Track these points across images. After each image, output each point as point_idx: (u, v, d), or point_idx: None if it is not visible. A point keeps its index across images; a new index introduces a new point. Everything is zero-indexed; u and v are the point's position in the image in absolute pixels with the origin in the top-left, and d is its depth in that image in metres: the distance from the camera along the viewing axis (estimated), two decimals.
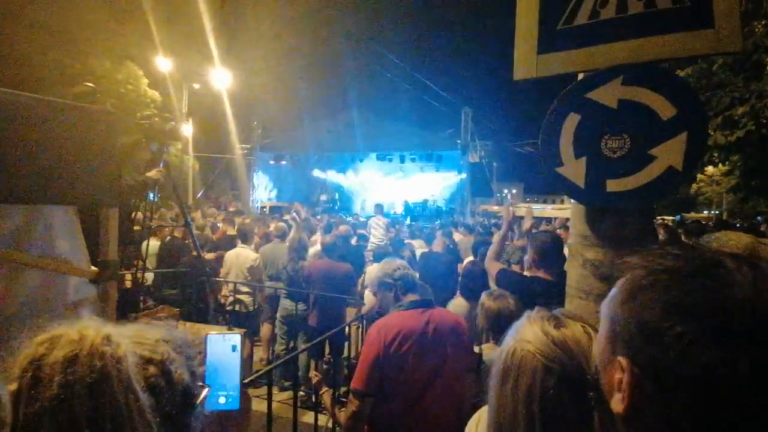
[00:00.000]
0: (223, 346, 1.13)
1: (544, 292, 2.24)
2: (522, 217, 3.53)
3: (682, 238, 5.47)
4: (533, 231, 3.03)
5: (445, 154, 15.82)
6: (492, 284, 3.45)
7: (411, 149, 15.98)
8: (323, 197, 20.90)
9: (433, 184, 20.71)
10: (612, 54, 1.45)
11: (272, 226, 6.64)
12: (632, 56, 1.41)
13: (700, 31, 1.32)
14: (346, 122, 16.20)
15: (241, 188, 21.65)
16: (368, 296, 4.55)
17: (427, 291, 3.85)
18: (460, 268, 5.71)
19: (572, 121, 1.51)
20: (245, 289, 4.95)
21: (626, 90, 1.41)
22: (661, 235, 5.61)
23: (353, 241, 7.11)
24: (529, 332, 0.90)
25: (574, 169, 1.52)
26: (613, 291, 0.62)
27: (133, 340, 0.70)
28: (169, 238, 5.43)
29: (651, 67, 1.41)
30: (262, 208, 18.12)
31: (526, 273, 2.96)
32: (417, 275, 2.72)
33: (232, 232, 6.35)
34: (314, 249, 5.43)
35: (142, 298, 4.02)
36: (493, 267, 2.75)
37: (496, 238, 3.04)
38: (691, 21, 1.33)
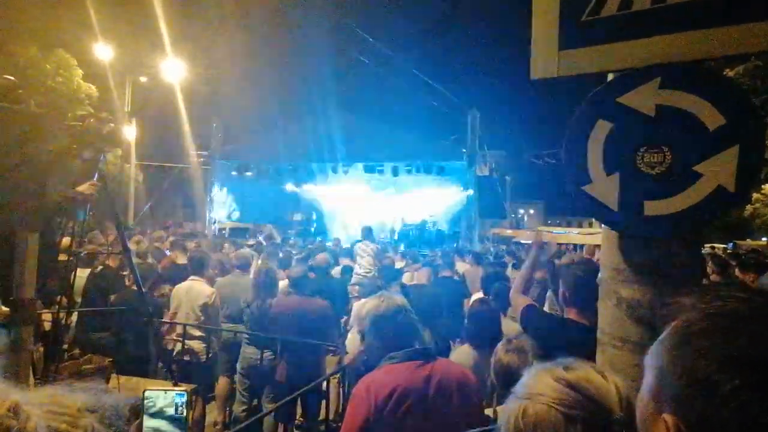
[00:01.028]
0: (165, 406, 1.10)
1: (579, 340, 2.19)
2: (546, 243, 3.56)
3: (736, 272, 5.54)
4: (555, 260, 3.05)
5: (448, 166, 15.99)
6: (507, 328, 3.44)
7: (406, 159, 16.11)
8: (297, 217, 20.85)
9: (432, 201, 20.80)
10: (647, 51, 1.50)
11: (232, 253, 6.59)
12: (671, 54, 1.46)
13: (757, 24, 1.36)
14: (326, 125, 16.32)
15: (195, 205, 21.53)
16: (351, 342, 4.50)
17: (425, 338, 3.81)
18: (466, 305, 5.72)
19: (602, 129, 1.54)
20: (197, 333, 4.87)
21: (665, 94, 1.45)
22: (710, 268, 5.68)
23: (335, 272, 7.08)
24: (539, 384, 0.93)
25: (605, 188, 1.54)
26: (661, 338, 0.63)
27: (47, 410, 0.67)
28: (100, 268, 5.35)
29: (693, 67, 1.45)
30: (221, 229, 18.02)
31: (546, 309, 2.96)
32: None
33: (182, 260, 6.28)
34: (284, 283, 5.39)
35: (66, 344, 3.93)
36: (519, 301, 2.72)
37: (511, 272, 3.05)
38: (745, 11, 1.37)
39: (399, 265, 9.21)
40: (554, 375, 0.94)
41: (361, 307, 2.23)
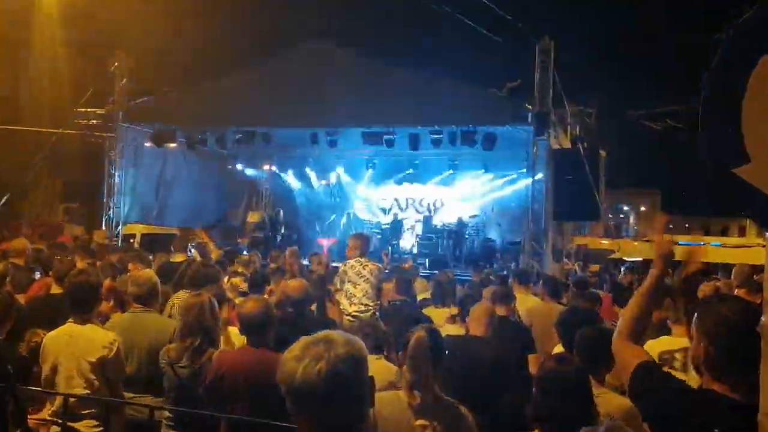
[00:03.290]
0: None
1: (727, 425, 2.22)
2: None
3: None
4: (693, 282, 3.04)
5: (502, 133, 15.93)
6: (605, 403, 3.42)
7: (431, 122, 16.07)
8: (254, 217, 20.93)
9: (475, 192, 20.88)
10: None
11: (129, 281, 6.59)
12: None
13: None
14: (300, 70, 16.30)
15: (84, 196, 21.67)
16: None
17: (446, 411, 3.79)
18: (532, 365, 5.69)
19: None
20: (87, 409, 4.90)
21: None
22: None
23: (314, 308, 7.09)
24: None
25: None
26: None
27: None
28: None
29: None
30: (128, 236, 18.11)
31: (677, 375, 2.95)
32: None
33: (59, 289, 6.33)
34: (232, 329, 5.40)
35: None
36: (626, 355, 2.73)
37: (610, 310, 3.05)
38: None
39: (422, 295, 9.23)
40: None
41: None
